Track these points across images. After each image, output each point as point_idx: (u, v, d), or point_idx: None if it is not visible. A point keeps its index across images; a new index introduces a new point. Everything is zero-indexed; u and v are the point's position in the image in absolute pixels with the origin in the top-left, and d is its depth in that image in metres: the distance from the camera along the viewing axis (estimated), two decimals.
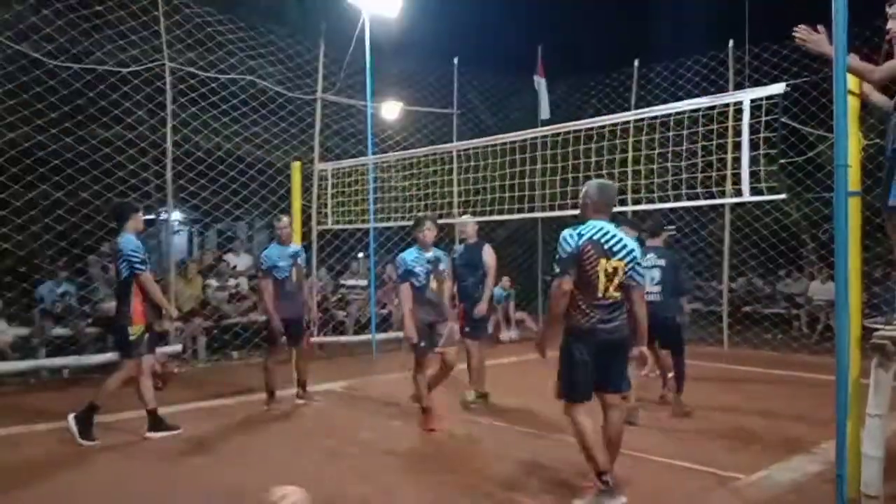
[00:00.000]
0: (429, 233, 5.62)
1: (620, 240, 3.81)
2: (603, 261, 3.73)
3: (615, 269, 3.77)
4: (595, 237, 3.76)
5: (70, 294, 8.21)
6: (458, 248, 6.83)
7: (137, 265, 5.19)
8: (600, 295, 3.75)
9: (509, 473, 4.39)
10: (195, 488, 4.14)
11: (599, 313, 3.75)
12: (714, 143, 6.45)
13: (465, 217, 7.09)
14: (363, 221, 8.66)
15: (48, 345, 7.78)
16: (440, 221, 8.40)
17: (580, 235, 3.76)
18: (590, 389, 3.83)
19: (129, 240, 5.27)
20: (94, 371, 7.71)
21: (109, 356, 7.52)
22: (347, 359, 9.44)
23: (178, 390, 7.15)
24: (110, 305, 7.78)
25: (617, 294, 3.81)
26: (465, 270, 6.52)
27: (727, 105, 5.95)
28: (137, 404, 6.27)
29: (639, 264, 3.89)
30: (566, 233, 3.80)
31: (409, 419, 5.83)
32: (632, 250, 3.84)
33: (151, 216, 11.04)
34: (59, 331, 7.84)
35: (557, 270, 3.76)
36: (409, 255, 5.58)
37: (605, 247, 3.76)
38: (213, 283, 9.78)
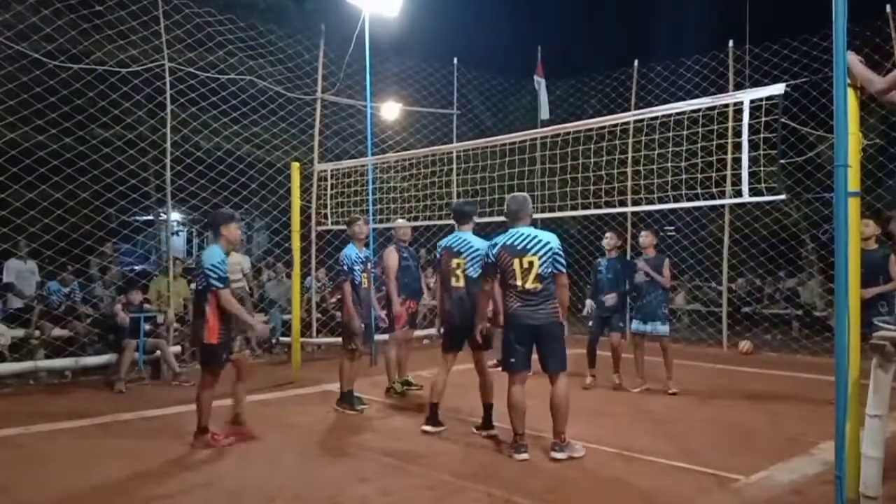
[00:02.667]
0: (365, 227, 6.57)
1: (534, 238, 4.66)
2: (516, 260, 4.64)
3: (530, 263, 4.62)
4: (507, 243, 4.70)
5: (75, 292, 8.22)
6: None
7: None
8: (520, 286, 4.63)
9: (509, 474, 4.39)
10: (195, 488, 4.14)
11: (520, 301, 4.66)
12: (714, 143, 6.46)
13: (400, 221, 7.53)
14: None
15: (47, 346, 7.77)
16: (440, 223, 8.45)
17: (494, 246, 4.76)
18: (521, 364, 4.72)
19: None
20: (93, 372, 7.73)
21: (107, 357, 7.53)
22: None
23: (178, 391, 7.16)
24: (115, 308, 7.81)
25: (537, 285, 4.61)
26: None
27: (727, 105, 5.94)
28: (136, 406, 6.31)
29: (557, 255, 4.64)
30: (486, 246, 4.91)
31: (409, 419, 5.84)
32: (546, 243, 4.64)
33: (150, 216, 11.06)
34: (58, 332, 7.83)
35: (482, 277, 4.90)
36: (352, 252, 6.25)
37: (518, 247, 4.65)
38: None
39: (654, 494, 4.04)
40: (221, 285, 4.85)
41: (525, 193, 5.03)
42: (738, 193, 5.39)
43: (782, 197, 5.54)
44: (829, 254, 8.08)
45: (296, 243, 8.03)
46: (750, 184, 5.07)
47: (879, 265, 5.69)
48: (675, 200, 6.18)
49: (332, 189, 8.87)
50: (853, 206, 3.40)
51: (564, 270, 4.71)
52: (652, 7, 19.32)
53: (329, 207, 8.92)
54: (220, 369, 5.00)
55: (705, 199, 6.13)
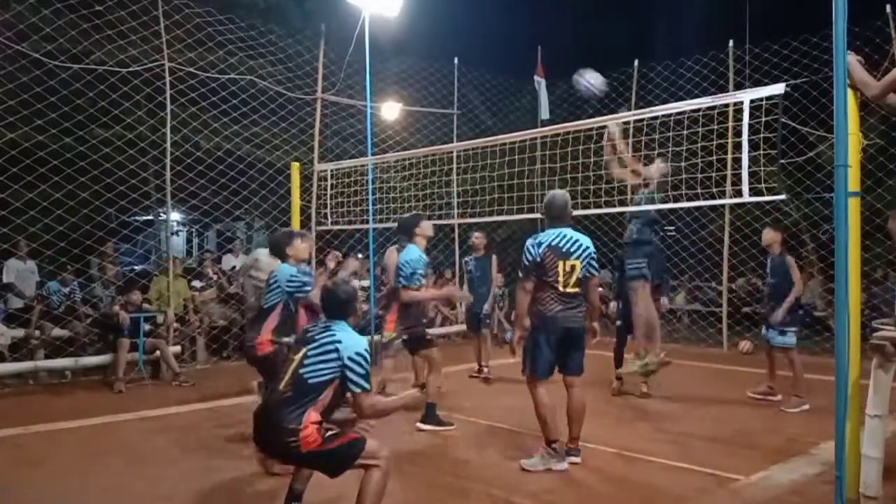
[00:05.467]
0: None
1: (577, 241, 4.58)
2: (561, 262, 4.51)
3: (573, 267, 4.53)
4: (553, 243, 4.53)
5: (75, 292, 8.22)
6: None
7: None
8: (561, 289, 4.50)
9: (509, 474, 4.39)
10: (195, 489, 4.14)
11: (560, 304, 4.52)
12: (714, 143, 6.45)
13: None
14: (363, 222, 8.66)
15: (47, 346, 7.77)
16: (439, 222, 8.44)
17: (539, 245, 4.55)
18: (551, 370, 4.59)
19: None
20: (93, 372, 7.73)
21: (107, 357, 7.53)
22: None
23: (178, 391, 7.16)
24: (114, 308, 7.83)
25: (576, 289, 4.55)
26: None
27: (727, 105, 5.93)
28: (136, 406, 6.31)
29: (593, 258, 4.61)
30: (529, 243, 4.61)
31: (409, 419, 5.83)
32: (587, 248, 4.60)
33: (150, 216, 11.06)
34: (58, 332, 7.83)
35: (521, 275, 4.60)
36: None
37: (563, 250, 4.53)
38: (197, 284, 9.82)
39: (654, 494, 4.04)
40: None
41: (565, 192, 4.90)
42: (738, 193, 5.38)
43: (782, 197, 5.53)
44: (829, 254, 8.08)
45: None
46: (750, 184, 5.07)
47: (781, 269, 6.54)
48: (675, 200, 6.18)
49: (332, 189, 8.87)
50: (853, 206, 3.40)
51: (598, 273, 4.71)
52: (652, 7, 19.34)
53: (329, 207, 8.92)
54: None
55: (705, 199, 6.12)
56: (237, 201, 9.49)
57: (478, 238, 7.93)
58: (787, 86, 4.89)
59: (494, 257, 8.14)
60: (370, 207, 8.50)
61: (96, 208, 8.38)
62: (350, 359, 3.13)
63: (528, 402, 6.00)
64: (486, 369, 7.83)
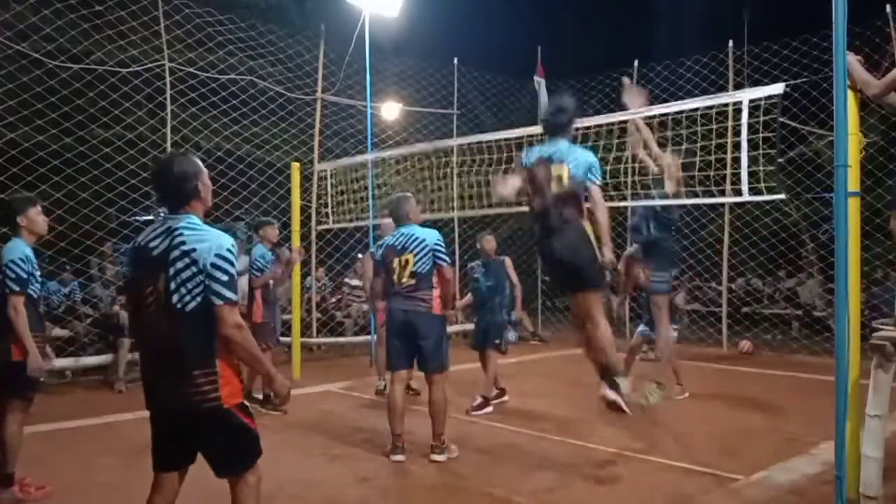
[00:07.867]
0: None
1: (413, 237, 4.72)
2: (396, 259, 4.71)
3: (407, 261, 4.68)
4: (391, 243, 4.77)
5: (75, 292, 8.22)
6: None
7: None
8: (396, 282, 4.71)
9: (508, 474, 4.39)
10: (195, 489, 4.13)
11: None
12: (713, 143, 6.46)
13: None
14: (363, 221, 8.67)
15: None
16: (442, 217, 8.44)
17: (379, 247, 4.93)
18: (399, 363, 4.79)
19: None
20: (93, 372, 7.73)
21: (107, 357, 7.53)
22: (346, 359, 9.45)
23: None
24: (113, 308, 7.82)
25: (412, 281, 4.66)
26: None
27: (726, 105, 5.95)
28: (136, 406, 6.30)
29: (437, 250, 4.70)
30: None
31: (409, 420, 5.83)
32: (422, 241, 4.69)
33: (150, 216, 11.07)
34: (58, 332, 7.83)
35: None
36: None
37: (399, 247, 4.71)
38: None
39: (654, 494, 4.04)
40: (18, 287, 3.77)
41: (404, 194, 4.99)
42: (738, 193, 5.38)
43: (782, 196, 5.54)
44: (829, 254, 8.08)
45: (296, 243, 8.03)
46: (749, 183, 5.07)
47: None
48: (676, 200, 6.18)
49: (332, 189, 8.87)
50: (853, 206, 3.40)
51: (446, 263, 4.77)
52: (652, 7, 19.35)
53: (329, 207, 8.93)
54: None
55: (705, 198, 6.13)
56: (237, 201, 9.48)
57: (488, 241, 6.69)
58: (786, 86, 4.90)
59: (507, 259, 6.92)
60: (371, 207, 8.51)
61: (96, 208, 8.38)
62: (213, 265, 2.34)
63: (524, 401, 6.02)
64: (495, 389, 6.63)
